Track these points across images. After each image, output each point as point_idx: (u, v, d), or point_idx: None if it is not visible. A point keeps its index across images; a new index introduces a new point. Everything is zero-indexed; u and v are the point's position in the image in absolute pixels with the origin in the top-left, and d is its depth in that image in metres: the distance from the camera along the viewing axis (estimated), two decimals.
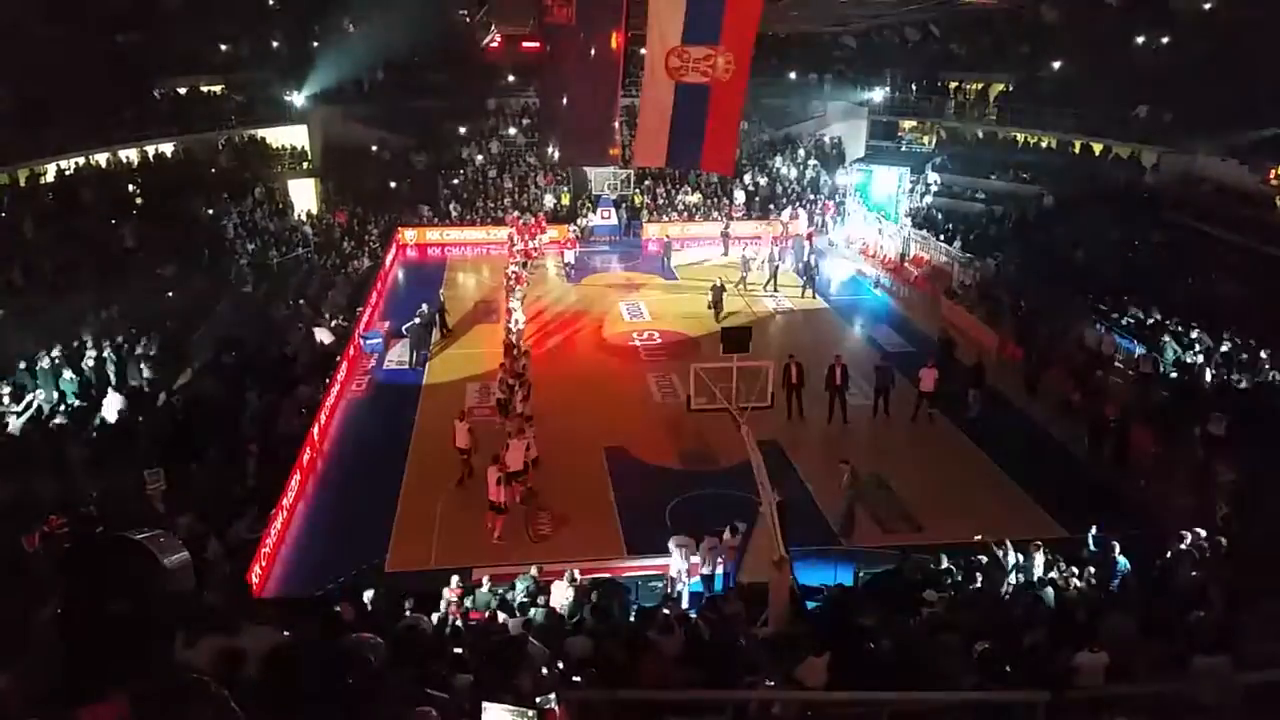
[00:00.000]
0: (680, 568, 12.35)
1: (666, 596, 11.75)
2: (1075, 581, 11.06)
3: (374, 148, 34.44)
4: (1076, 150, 30.58)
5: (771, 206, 33.64)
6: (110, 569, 3.29)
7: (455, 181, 33.90)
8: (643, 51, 13.22)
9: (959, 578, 11.29)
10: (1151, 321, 19.78)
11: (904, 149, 35.21)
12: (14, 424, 14.12)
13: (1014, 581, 11.38)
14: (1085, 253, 24.68)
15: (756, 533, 11.32)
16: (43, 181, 24.63)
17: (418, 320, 21.78)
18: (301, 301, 23.49)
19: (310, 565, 13.55)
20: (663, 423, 18.13)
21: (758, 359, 14.25)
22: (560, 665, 7.34)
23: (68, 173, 25.41)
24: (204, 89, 32.23)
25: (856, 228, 32.48)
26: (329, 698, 3.44)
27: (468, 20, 33.60)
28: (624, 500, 15.29)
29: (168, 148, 29.10)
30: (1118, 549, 11.73)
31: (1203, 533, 11.50)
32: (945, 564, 11.53)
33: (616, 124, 14.56)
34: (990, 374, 19.31)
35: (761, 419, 13.84)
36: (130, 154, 28.05)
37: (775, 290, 26.79)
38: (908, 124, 36.32)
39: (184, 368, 17.75)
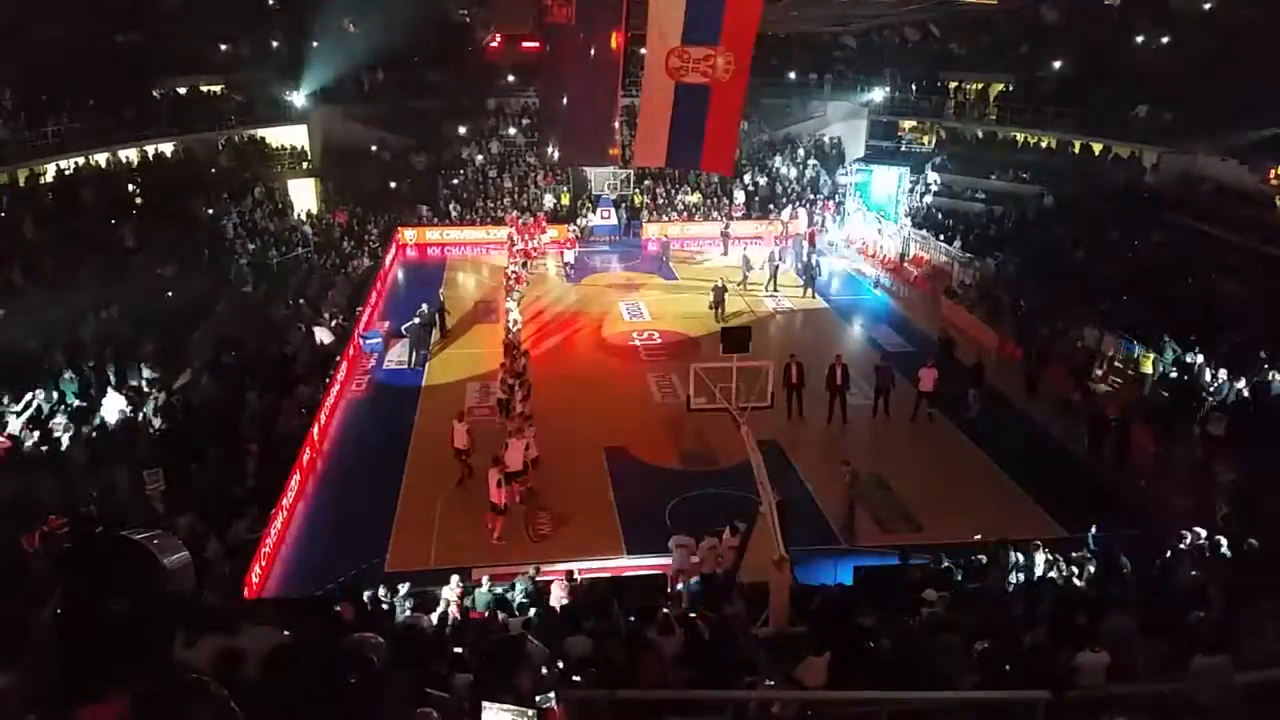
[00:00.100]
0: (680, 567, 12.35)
1: (665, 596, 11.75)
2: (1076, 581, 11.06)
3: (374, 148, 34.44)
4: (1076, 150, 30.59)
5: (771, 206, 33.64)
6: (110, 569, 3.29)
7: (455, 181, 33.90)
8: (643, 51, 13.22)
9: (959, 577, 11.29)
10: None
11: (904, 149, 35.21)
12: (13, 424, 14.11)
13: (1014, 580, 11.38)
14: (1085, 252, 24.69)
15: (757, 532, 11.32)
16: (42, 181, 24.61)
17: (416, 320, 21.78)
18: (301, 301, 23.48)
19: (310, 565, 13.55)
20: (663, 423, 18.13)
21: (758, 359, 14.25)
22: (560, 665, 7.34)
23: (67, 172, 25.40)
24: (204, 89, 32.22)
25: (856, 228, 32.50)
26: (330, 698, 3.44)
27: (466, 19, 33.62)
28: (624, 500, 15.29)
29: (167, 148, 29.09)
30: (1118, 549, 11.73)
31: (1203, 532, 11.51)
32: (945, 563, 11.53)
33: (616, 124, 14.57)
34: (990, 374, 19.32)
35: (761, 419, 13.83)
36: (130, 154, 28.03)
37: (775, 290, 26.79)
38: (907, 124, 36.31)
39: (184, 368, 17.72)
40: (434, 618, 9.87)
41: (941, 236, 28.68)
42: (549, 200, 33.53)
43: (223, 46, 33.69)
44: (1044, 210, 28.26)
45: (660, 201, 34.15)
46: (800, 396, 18.26)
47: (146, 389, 16.31)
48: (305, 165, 32.84)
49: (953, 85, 35.76)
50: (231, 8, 33.25)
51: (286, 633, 6.67)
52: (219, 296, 21.70)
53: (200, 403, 16.58)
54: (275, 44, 34.27)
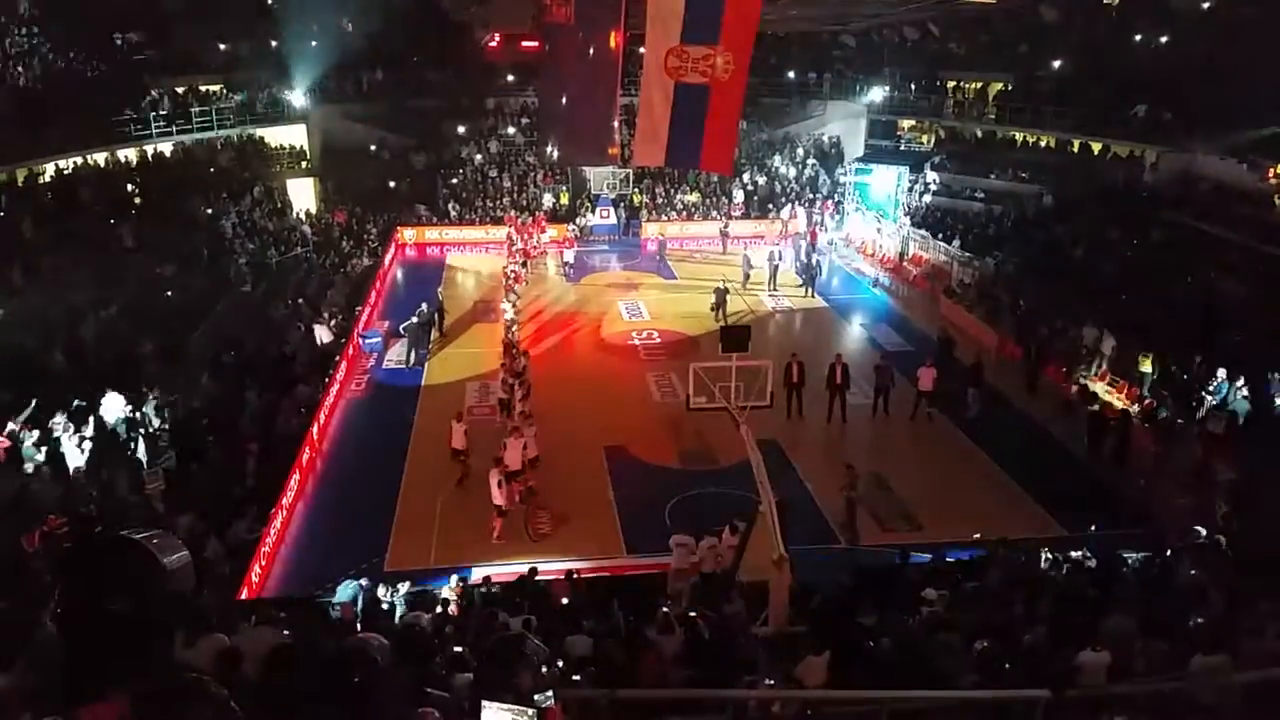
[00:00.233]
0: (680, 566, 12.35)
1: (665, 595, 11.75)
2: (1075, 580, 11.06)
3: (373, 147, 34.43)
4: (1075, 149, 30.60)
5: (770, 206, 33.65)
6: (110, 569, 3.29)
7: (454, 181, 33.88)
8: (642, 51, 13.23)
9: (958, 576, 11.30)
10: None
11: (903, 148, 35.22)
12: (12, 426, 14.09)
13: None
14: (1084, 252, 24.69)
15: (756, 532, 11.32)
16: (41, 181, 24.61)
17: (415, 320, 21.77)
18: (301, 301, 23.47)
19: (310, 565, 13.55)
20: (662, 422, 18.13)
21: (757, 358, 14.25)
22: (560, 664, 7.34)
23: (66, 172, 25.39)
24: (203, 89, 32.20)
25: (855, 227, 32.50)
26: (334, 697, 3.44)
27: (466, 19, 33.60)
28: (623, 499, 15.30)
29: (167, 147, 29.07)
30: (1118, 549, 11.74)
31: (1203, 531, 11.51)
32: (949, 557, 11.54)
33: (616, 123, 14.58)
34: (989, 373, 19.32)
35: (761, 418, 13.84)
36: (129, 153, 28.02)
37: (775, 289, 26.80)
38: (907, 123, 36.32)
39: (195, 374, 17.67)
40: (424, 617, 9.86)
41: (941, 236, 28.67)
42: (548, 200, 33.52)
43: (222, 46, 33.67)
44: (1043, 209, 28.26)
45: (659, 201, 34.14)
46: (800, 396, 18.26)
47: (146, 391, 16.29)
48: (304, 165, 32.83)
49: (952, 84, 35.77)
50: (231, 8, 33.23)
51: (287, 632, 6.68)
52: (218, 296, 21.69)
53: (200, 403, 16.57)
54: (275, 44, 34.26)
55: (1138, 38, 30.80)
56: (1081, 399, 18.11)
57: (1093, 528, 14.13)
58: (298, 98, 32.43)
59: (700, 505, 14.65)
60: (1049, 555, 11.80)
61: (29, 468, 13.08)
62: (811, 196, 34.04)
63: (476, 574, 12.65)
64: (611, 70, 13.42)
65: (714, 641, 8.83)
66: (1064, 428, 17.88)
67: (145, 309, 19.14)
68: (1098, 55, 31.04)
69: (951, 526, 14.17)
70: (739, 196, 33.83)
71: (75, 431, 13.91)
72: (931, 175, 32.59)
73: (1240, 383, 16.42)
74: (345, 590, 10.90)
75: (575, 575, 11.76)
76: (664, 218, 33.39)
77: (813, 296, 26.50)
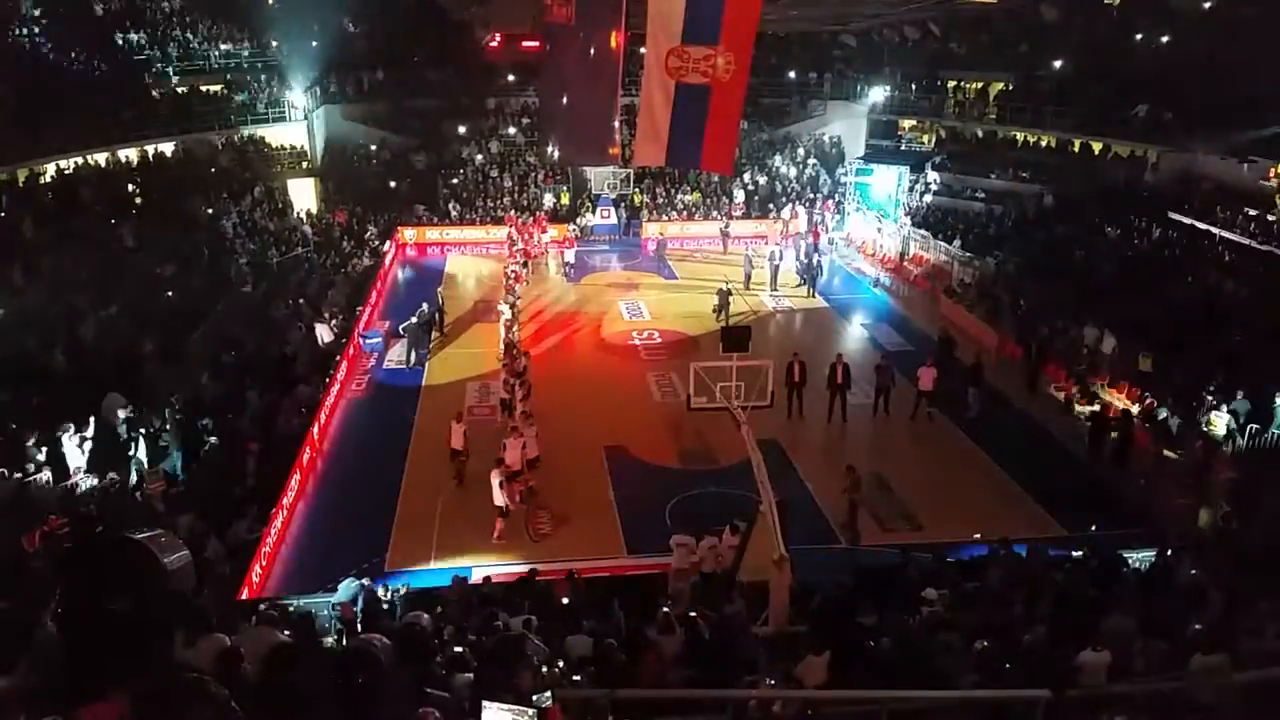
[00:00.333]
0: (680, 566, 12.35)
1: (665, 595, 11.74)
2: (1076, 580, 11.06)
3: (374, 147, 34.44)
4: (1076, 149, 30.60)
5: (771, 206, 33.65)
6: (111, 568, 3.30)
7: (455, 181, 33.88)
8: (643, 51, 13.23)
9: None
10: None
11: (903, 148, 35.21)
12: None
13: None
14: (1084, 251, 24.69)
15: (757, 532, 11.33)
16: (42, 181, 24.61)
17: (414, 320, 21.78)
18: (301, 301, 23.47)
19: (310, 565, 13.55)
20: (662, 422, 18.13)
21: (758, 358, 14.26)
22: (560, 664, 7.34)
23: (67, 172, 25.40)
24: (204, 89, 32.21)
25: (856, 227, 32.50)
26: (337, 697, 3.44)
27: (465, 18, 33.59)
28: (624, 499, 15.30)
29: (167, 147, 29.08)
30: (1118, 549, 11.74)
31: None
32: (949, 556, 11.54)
33: (616, 123, 14.57)
34: (990, 373, 19.33)
35: (761, 418, 13.85)
36: (130, 153, 28.02)
37: (776, 290, 26.81)
38: (907, 123, 36.31)
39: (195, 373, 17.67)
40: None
41: (941, 236, 28.68)
42: (549, 200, 33.53)
43: (223, 46, 33.67)
44: (1044, 209, 28.27)
45: (660, 201, 34.14)
46: (802, 396, 18.27)
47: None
48: (305, 165, 32.84)
49: (952, 84, 35.77)
50: (231, 8, 33.23)
51: (287, 632, 6.68)
52: (219, 296, 21.69)
53: (200, 402, 16.57)
54: (276, 44, 34.27)
55: (1138, 38, 30.79)
56: (1082, 399, 18.12)
57: (1093, 528, 14.14)
58: (298, 98, 32.43)
59: (700, 505, 14.65)
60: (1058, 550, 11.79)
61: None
62: (812, 196, 34.04)
63: (476, 574, 12.66)
64: (612, 70, 13.42)
65: (714, 641, 8.83)
66: (1064, 428, 17.89)
67: (146, 309, 19.14)
68: (1098, 55, 31.03)
69: (951, 526, 14.18)
70: (739, 196, 33.83)
71: (76, 432, 13.91)
72: (932, 175, 32.59)
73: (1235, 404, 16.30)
74: (346, 589, 10.90)
75: (575, 575, 11.76)
76: (664, 218, 33.39)
77: (813, 296, 26.50)
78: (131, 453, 14.25)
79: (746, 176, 34.48)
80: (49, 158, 25.09)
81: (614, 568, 13.21)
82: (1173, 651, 7.70)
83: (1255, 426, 15.59)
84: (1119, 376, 18.81)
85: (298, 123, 32.68)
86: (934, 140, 35.74)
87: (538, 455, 15.32)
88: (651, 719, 6.27)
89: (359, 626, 9.16)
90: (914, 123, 36.38)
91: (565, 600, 10.86)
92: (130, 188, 26.53)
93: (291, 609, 9.63)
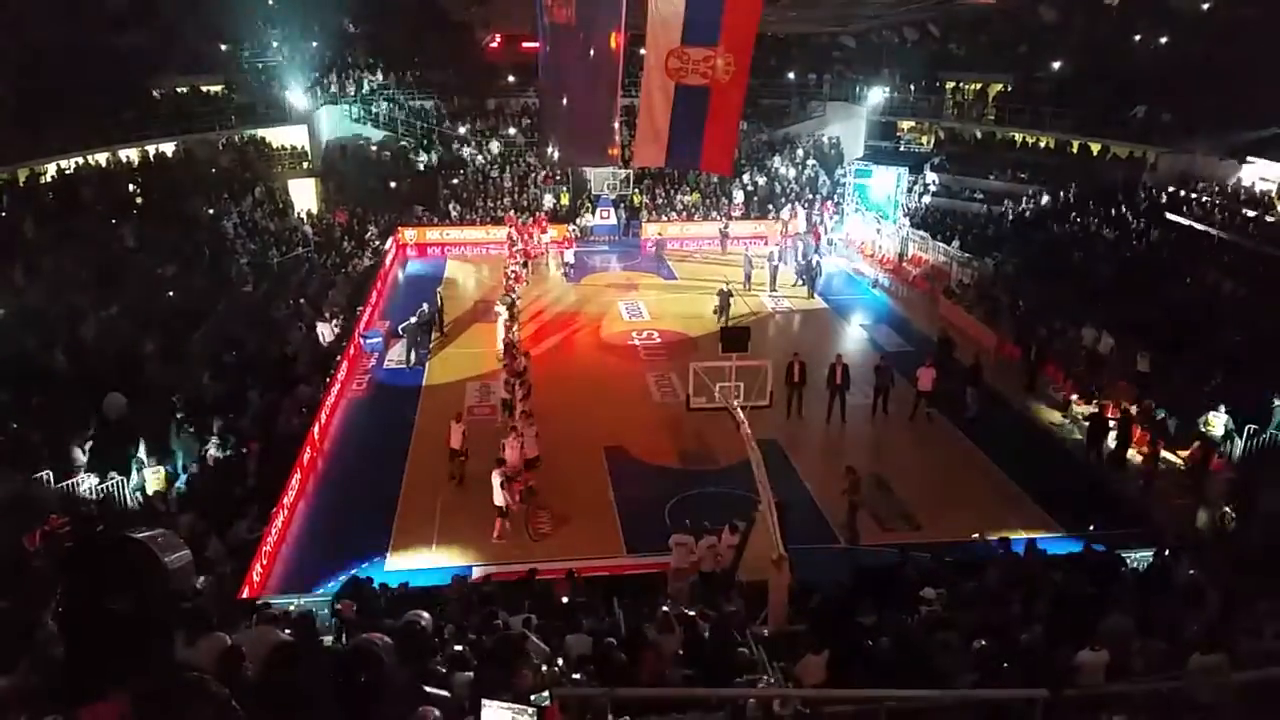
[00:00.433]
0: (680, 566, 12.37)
1: (665, 594, 11.76)
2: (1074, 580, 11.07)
3: (374, 148, 34.45)
4: (1075, 150, 30.62)
5: (770, 206, 33.67)
6: (111, 568, 3.31)
7: (455, 181, 33.90)
8: (643, 52, 13.25)
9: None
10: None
11: (902, 149, 35.24)
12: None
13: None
14: (1083, 252, 24.71)
15: (756, 531, 11.35)
16: (43, 181, 24.62)
17: (413, 320, 21.80)
18: (302, 301, 23.48)
19: (310, 565, 13.57)
20: (662, 422, 18.15)
21: (757, 359, 14.28)
22: (560, 663, 7.36)
23: (68, 172, 25.41)
24: (204, 89, 32.22)
25: (855, 227, 32.52)
26: (340, 696, 3.45)
27: (465, 18, 33.62)
28: (623, 499, 15.32)
29: (168, 147, 29.10)
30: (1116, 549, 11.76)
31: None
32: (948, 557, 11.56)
33: (616, 124, 14.59)
34: (989, 373, 19.35)
35: (761, 418, 13.87)
36: (131, 153, 28.04)
37: (775, 290, 26.83)
38: (906, 124, 36.33)
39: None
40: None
41: (940, 236, 28.70)
42: (549, 200, 33.54)
43: (223, 46, 33.67)
44: (1042, 210, 28.28)
45: (659, 201, 34.15)
46: (802, 396, 18.30)
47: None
48: (305, 165, 32.84)
49: (951, 85, 35.80)
50: (232, 8, 33.22)
51: (287, 632, 6.70)
52: (220, 296, 21.70)
53: (201, 402, 16.58)
54: (275, 44, 34.27)
55: (1138, 38, 30.82)
56: (1081, 399, 18.13)
57: (1092, 528, 14.16)
58: (299, 98, 32.44)
59: (700, 505, 14.66)
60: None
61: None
62: (810, 197, 34.06)
63: (476, 574, 12.69)
64: (612, 71, 13.43)
65: (714, 641, 8.85)
66: (1063, 427, 17.91)
67: (146, 309, 19.15)
68: (1097, 56, 31.06)
69: (951, 526, 14.20)
70: (739, 197, 33.85)
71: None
72: (931, 176, 32.61)
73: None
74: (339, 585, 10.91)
75: (575, 575, 11.78)
76: (664, 218, 33.42)
77: (813, 297, 26.52)
78: (133, 452, 14.27)
79: (746, 177, 34.50)
80: (50, 158, 25.09)
81: (614, 567, 13.23)
82: (1171, 651, 7.73)
83: (1253, 427, 15.61)
84: (1117, 377, 18.82)
85: (298, 123, 32.69)
86: (933, 141, 35.76)
87: (537, 455, 15.33)
88: (651, 718, 6.28)
89: (357, 624, 9.16)
90: (913, 124, 36.41)
91: (565, 600, 10.87)
92: (131, 188, 26.55)
93: (292, 608, 9.65)
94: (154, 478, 13.83)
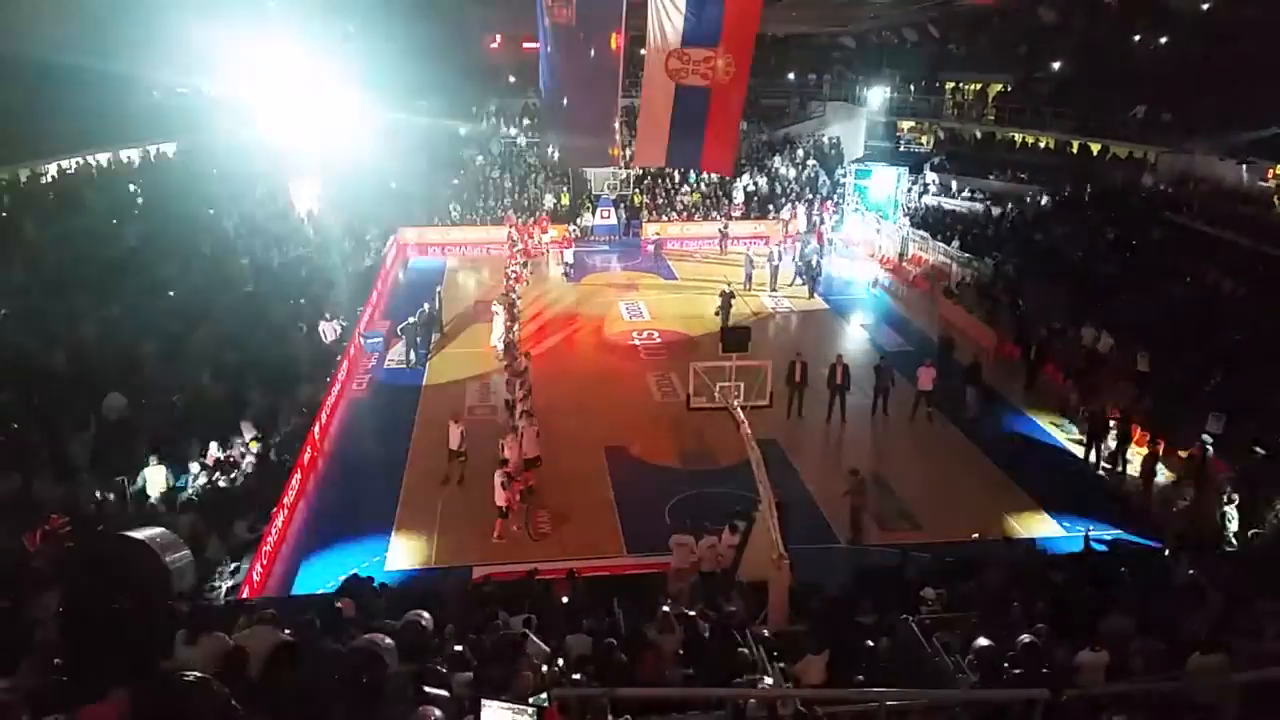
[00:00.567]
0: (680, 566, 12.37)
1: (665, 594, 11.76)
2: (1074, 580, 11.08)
3: (376, 148, 34.40)
4: (1075, 150, 30.64)
5: (770, 206, 33.68)
6: (113, 568, 3.31)
7: (456, 182, 33.89)
8: (643, 52, 13.27)
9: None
10: None
11: (902, 149, 35.24)
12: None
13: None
14: (1083, 252, 24.72)
15: (756, 531, 11.35)
16: (44, 181, 24.61)
17: (412, 320, 21.81)
18: (302, 301, 23.46)
19: (310, 565, 13.57)
20: (663, 422, 18.15)
21: (758, 359, 14.28)
22: (560, 663, 7.36)
23: (69, 172, 25.40)
24: (204, 89, 32.16)
25: (855, 227, 32.53)
26: (341, 697, 3.46)
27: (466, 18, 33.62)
28: (624, 499, 15.32)
29: (169, 147, 29.08)
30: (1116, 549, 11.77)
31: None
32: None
33: (616, 124, 14.61)
34: (989, 373, 19.36)
35: (761, 418, 13.86)
36: (131, 153, 28.03)
37: (775, 290, 26.84)
38: (906, 124, 36.35)
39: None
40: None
41: (940, 236, 28.71)
42: (549, 200, 33.55)
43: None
44: (1042, 210, 28.30)
45: (660, 201, 34.17)
46: (803, 396, 18.31)
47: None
48: (307, 165, 32.75)
49: (951, 86, 35.82)
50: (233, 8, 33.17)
51: (288, 631, 6.69)
52: (220, 296, 21.67)
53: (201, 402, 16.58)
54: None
55: (1137, 38, 30.82)
56: (1082, 399, 18.13)
57: (1091, 528, 14.17)
58: (300, 98, 32.35)
59: (700, 505, 14.66)
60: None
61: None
62: (810, 197, 34.07)
63: (476, 574, 12.69)
64: (612, 71, 13.45)
65: (714, 641, 8.85)
66: (1063, 428, 17.91)
67: (146, 309, 19.14)
68: (1097, 56, 31.06)
69: (951, 527, 14.21)
70: (739, 197, 33.87)
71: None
72: (931, 176, 32.63)
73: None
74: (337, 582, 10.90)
75: (575, 575, 11.78)
76: (664, 218, 33.43)
77: (813, 297, 26.53)
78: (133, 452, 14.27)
79: (746, 177, 34.51)
80: (50, 158, 25.08)
81: (614, 567, 13.23)
82: (1171, 651, 7.72)
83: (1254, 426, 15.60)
84: (1117, 377, 18.83)
85: (299, 123, 32.60)
86: (933, 141, 35.80)
87: (537, 455, 15.32)
88: (651, 718, 6.28)
89: (357, 622, 9.16)
90: (913, 124, 36.42)
91: (565, 600, 10.87)
92: (132, 188, 26.53)
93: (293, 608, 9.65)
94: (155, 478, 13.81)
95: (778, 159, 36.27)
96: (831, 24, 38.08)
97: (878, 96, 35.48)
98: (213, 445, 14.65)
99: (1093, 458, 16.53)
